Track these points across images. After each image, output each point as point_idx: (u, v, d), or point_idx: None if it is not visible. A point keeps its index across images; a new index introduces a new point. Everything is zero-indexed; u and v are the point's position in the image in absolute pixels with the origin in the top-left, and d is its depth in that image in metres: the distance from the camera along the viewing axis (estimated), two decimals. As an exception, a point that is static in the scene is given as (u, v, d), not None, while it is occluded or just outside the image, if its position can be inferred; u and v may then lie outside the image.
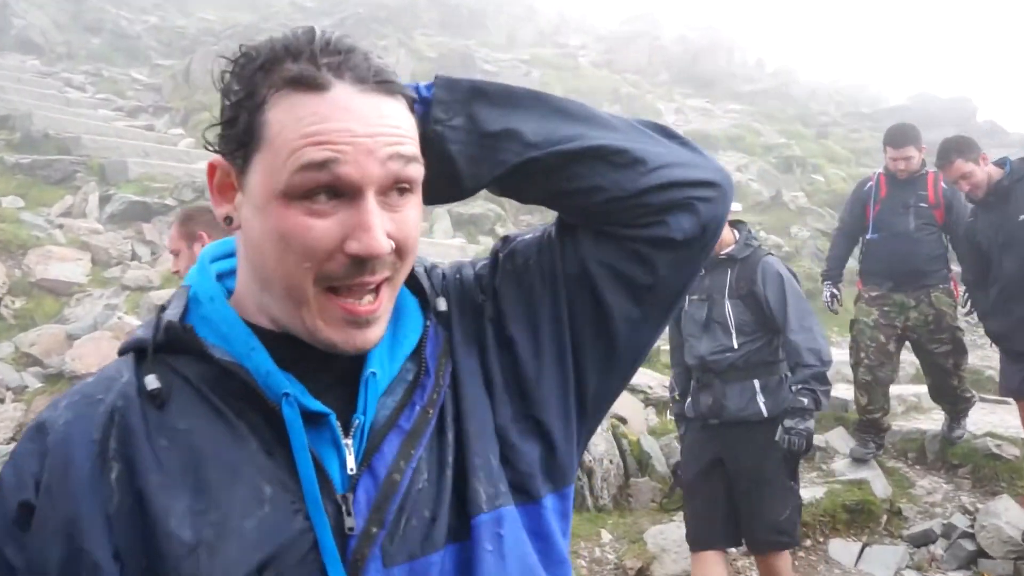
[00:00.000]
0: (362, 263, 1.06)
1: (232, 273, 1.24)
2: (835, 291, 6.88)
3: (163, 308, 1.19)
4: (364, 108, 1.06)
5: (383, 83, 1.09)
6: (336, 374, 1.16)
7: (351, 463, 1.11)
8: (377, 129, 1.06)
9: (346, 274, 1.07)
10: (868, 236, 6.58)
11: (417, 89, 1.22)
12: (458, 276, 1.36)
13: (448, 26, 23.37)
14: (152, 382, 1.11)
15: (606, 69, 21.71)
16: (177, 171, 12.41)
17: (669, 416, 7.25)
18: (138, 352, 1.17)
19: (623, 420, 6.87)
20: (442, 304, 1.27)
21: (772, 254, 4.64)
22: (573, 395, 1.28)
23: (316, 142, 1.03)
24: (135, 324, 7.36)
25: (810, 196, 15.68)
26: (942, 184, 6.25)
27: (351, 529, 1.08)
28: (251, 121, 1.07)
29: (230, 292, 1.21)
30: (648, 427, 7.06)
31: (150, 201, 11.32)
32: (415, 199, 1.12)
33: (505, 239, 1.38)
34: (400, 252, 1.10)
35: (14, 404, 7.19)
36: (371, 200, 1.05)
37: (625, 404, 7.18)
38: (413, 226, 1.12)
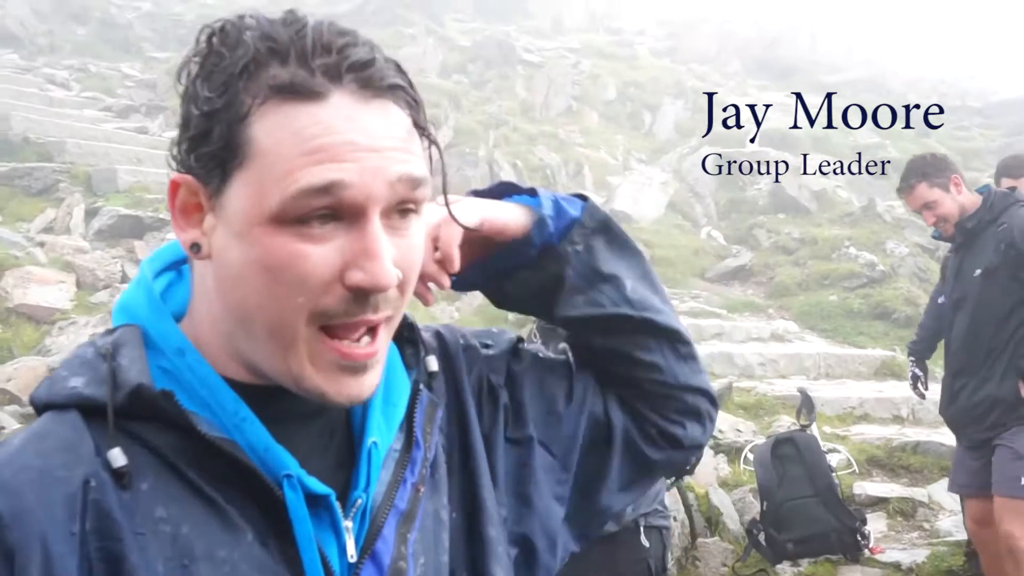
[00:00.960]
0: (364, 298, 1.03)
1: (169, 291, 1.19)
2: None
3: (110, 355, 1.10)
4: (369, 119, 1.03)
5: (390, 87, 1.05)
6: (320, 435, 1.15)
7: (351, 549, 1.10)
8: (384, 143, 1.03)
9: (345, 311, 1.03)
10: None
11: (557, 201, 1.31)
12: (462, 342, 1.36)
13: (483, 10, 23.52)
14: (118, 457, 1.03)
15: (667, 59, 21.72)
16: (174, 180, 12.56)
17: (742, 465, 7.21)
18: (84, 410, 1.08)
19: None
20: (433, 364, 1.27)
21: None
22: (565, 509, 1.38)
23: (317, 160, 0.99)
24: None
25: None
26: None
27: None
28: (230, 135, 1.03)
29: (176, 319, 1.15)
30: (718, 478, 7.02)
31: (143, 215, 11.43)
32: (419, 221, 1.10)
33: (519, 339, 1.44)
34: (402, 285, 1.07)
35: (-12, 448, 7.30)
36: (376, 223, 1.02)
37: (692, 451, 7.15)
38: (418, 254, 1.10)
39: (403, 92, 1.07)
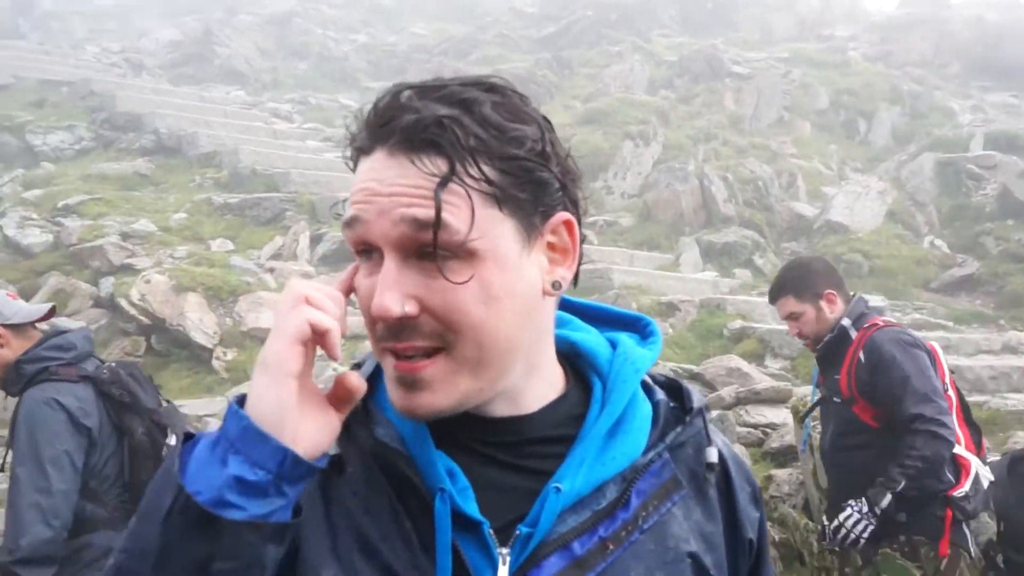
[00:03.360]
0: (389, 326, 1.17)
1: None
2: None
3: (357, 365, 1.32)
4: (389, 170, 1.17)
5: (421, 144, 1.16)
6: (519, 467, 1.25)
7: (503, 573, 1.18)
8: (395, 189, 1.16)
9: (382, 336, 1.19)
10: None
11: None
12: (746, 476, 1.45)
13: (690, 24, 23.41)
14: (333, 447, 1.20)
15: (882, 63, 21.06)
16: (391, 205, 12.93)
17: (976, 483, 6.92)
18: None
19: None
20: (713, 455, 1.34)
21: None
22: None
23: (351, 203, 1.19)
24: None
25: None
26: None
27: None
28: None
29: None
30: (950, 496, 6.75)
31: (364, 240, 11.86)
32: (463, 266, 1.16)
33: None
34: (441, 320, 1.16)
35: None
36: (387, 260, 1.16)
37: (920, 468, 6.91)
38: (459, 293, 1.16)
39: (438, 151, 1.16)
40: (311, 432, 1.11)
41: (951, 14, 24.92)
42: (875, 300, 11.85)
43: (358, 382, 1.14)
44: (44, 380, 3.94)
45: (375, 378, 1.29)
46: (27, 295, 11.30)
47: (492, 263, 1.17)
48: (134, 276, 10.96)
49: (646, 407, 1.32)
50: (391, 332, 1.17)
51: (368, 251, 1.19)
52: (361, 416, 1.25)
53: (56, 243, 12.17)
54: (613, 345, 1.36)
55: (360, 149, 1.22)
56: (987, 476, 4.86)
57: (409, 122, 1.16)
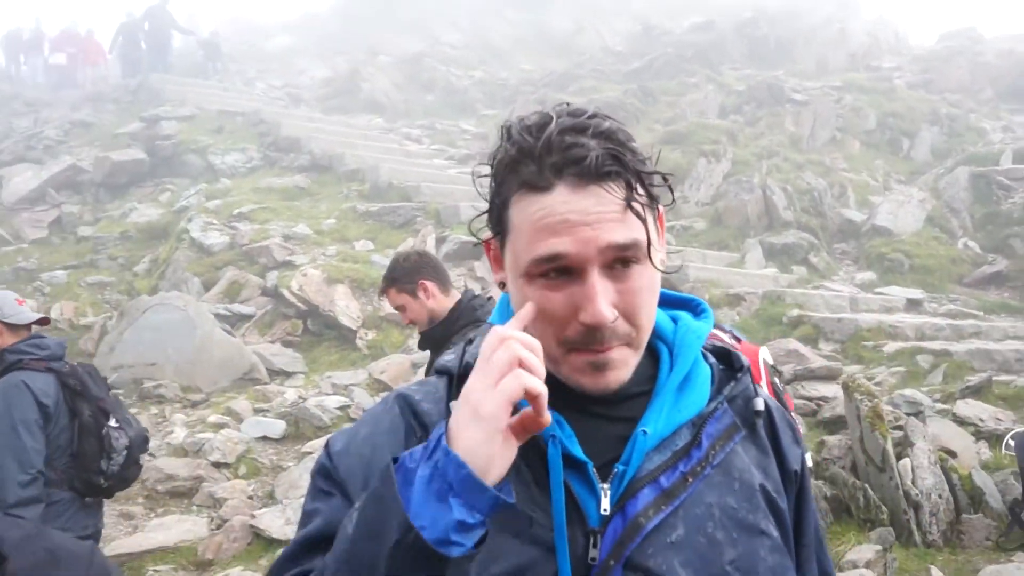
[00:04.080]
0: (593, 332, 1.18)
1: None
2: None
3: (470, 341, 1.36)
4: (581, 201, 1.16)
5: (603, 175, 1.16)
6: (619, 416, 1.27)
7: (605, 504, 1.21)
8: (593, 218, 1.16)
9: (582, 340, 1.20)
10: None
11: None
12: (787, 421, 1.44)
13: (755, 58, 22.99)
14: (456, 407, 1.19)
15: (923, 90, 20.40)
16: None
17: (1003, 451, 6.68)
18: (449, 376, 1.34)
19: (952, 454, 6.41)
20: (760, 404, 1.36)
21: None
22: None
23: (542, 236, 1.17)
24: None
25: None
26: None
27: (593, 560, 1.19)
28: (500, 214, 1.24)
29: None
30: (980, 462, 6.54)
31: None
32: (641, 269, 1.21)
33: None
34: (629, 319, 1.21)
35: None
36: (593, 277, 1.17)
37: (954, 437, 6.70)
38: (640, 295, 1.21)
39: (618, 176, 1.17)
40: (502, 467, 1.10)
41: (985, 47, 24.02)
42: (915, 293, 11.58)
43: (548, 419, 1.11)
44: (19, 368, 4.26)
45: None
46: (208, 286, 11.66)
47: (646, 263, 1.21)
48: (293, 270, 11.21)
49: (706, 368, 1.35)
50: (592, 338, 1.19)
51: (560, 271, 1.18)
52: None
53: (232, 243, 12.49)
54: (674, 320, 1.38)
55: (530, 184, 1.19)
56: None
57: (593, 159, 1.15)
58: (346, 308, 10.54)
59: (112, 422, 4.38)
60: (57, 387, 4.30)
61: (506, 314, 1.35)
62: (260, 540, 6.18)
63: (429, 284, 4.20)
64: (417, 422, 1.30)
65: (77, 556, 1.02)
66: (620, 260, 1.18)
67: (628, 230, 1.18)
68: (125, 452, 4.37)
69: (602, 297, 1.17)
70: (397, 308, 4.34)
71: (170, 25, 24.10)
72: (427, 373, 3.97)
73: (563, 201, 1.17)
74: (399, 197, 13.88)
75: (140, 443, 4.54)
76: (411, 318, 4.26)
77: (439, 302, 4.21)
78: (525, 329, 1.17)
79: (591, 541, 1.19)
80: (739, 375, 1.37)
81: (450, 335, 4.07)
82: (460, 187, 14.19)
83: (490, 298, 4.41)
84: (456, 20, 30.30)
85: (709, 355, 1.39)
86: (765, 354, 3.82)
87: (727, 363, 1.39)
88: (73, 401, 4.33)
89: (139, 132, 17.89)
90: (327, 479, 1.28)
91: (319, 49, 28.65)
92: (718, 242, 13.13)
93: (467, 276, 11.17)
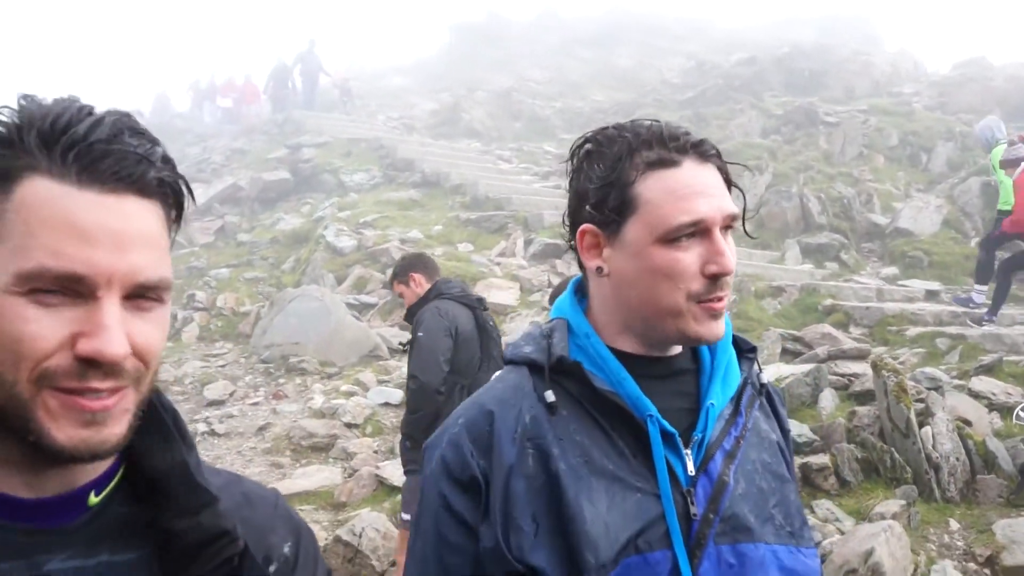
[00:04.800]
0: (717, 279, 1.18)
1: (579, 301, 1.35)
2: None
3: (548, 336, 1.29)
4: (707, 175, 1.20)
5: (713, 155, 1.22)
6: (674, 394, 1.26)
7: (691, 467, 1.21)
8: (716, 191, 1.19)
9: (706, 291, 1.18)
10: None
11: None
12: (778, 393, 1.44)
13: (792, 87, 22.37)
14: (551, 396, 1.21)
15: (939, 111, 19.60)
16: (579, 219, 12.91)
17: (1014, 421, 6.42)
18: (531, 367, 1.27)
19: (968, 423, 6.19)
20: (765, 377, 1.39)
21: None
22: None
23: (686, 204, 1.16)
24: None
25: None
26: None
27: (695, 515, 1.18)
28: (623, 195, 1.19)
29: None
30: (993, 430, 6.29)
31: (561, 243, 11.88)
32: (727, 235, 1.23)
33: None
34: (730, 274, 1.22)
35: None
36: (718, 235, 1.18)
37: (969, 409, 6.46)
38: (732, 257, 1.21)
39: (719, 159, 1.24)
40: None
41: (994, 73, 22.93)
42: (933, 285, 11.17)
43: None
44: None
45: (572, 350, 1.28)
46: (340, 280, 11.88)
47: (744, 230, 1.29)
48: (409, 268, 11.31)
49: (732, 350, 1.35)
50: (715, 287, 1.19)
51: (692, 233, 1.18)
52: (571, 376, 1.24)
53: (359, 246, 12.67)
54: None
55: (660, 162, 1.19)
56: None
57: (702, 140, 1.22)
58: (451, 298, 10.61)
59: None
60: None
61: (574, 303, 1.33)
62: (383, 487, 6.29)
63: (417, 276, 4.61)
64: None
65: (265, 499, 1.05)
66: (729, 226, 1.21)
67: (733, 204, 1.22)
68: None
69: (727, 250, 1.19)
70: (399, 295, 4.72)
71: (318, 69, 24.45)
72: (410, 344, 4.48)
73: (693, 174, 1.19)
74: (494, 207, 13.93)
75: None
76: (408, 302, 4.61)
77: (425, 289, 4.60)
78: (645, 294, 1.21)
79: (687, 500, 1.19)
80: (753, 355, 1.37)
81: (417, 309, 4.49)
82: (543, 198, 14.17)
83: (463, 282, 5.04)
84: (539, 60, 30.27)
85: None
86: None
87: (737, 346, 1.38)
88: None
89: (285, 157, 18.31)
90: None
91: (427, 87, 28.93)
92: (761, 242, 12.89)
93: (550, 272, 11.18)
